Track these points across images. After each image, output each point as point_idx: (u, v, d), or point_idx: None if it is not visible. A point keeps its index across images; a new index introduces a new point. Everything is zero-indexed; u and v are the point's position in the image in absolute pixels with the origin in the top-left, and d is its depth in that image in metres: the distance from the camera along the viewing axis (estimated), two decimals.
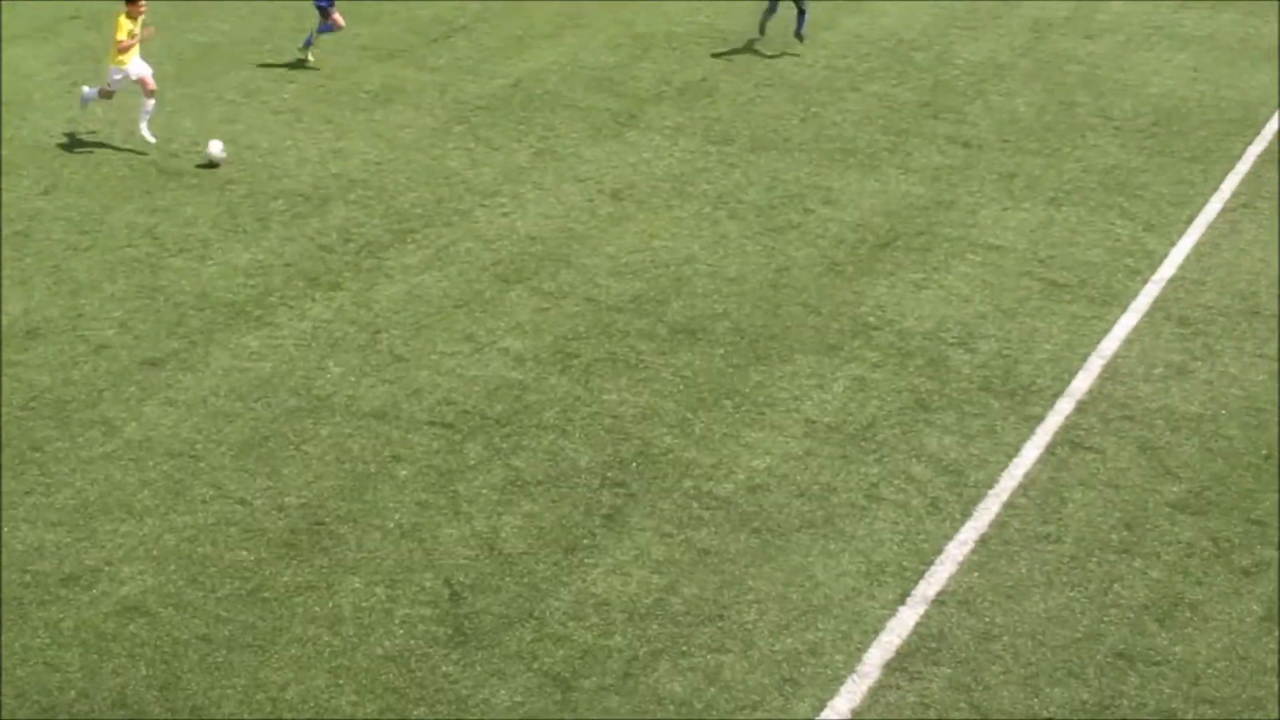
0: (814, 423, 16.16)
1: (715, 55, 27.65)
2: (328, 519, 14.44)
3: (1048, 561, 14.03)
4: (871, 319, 18.29)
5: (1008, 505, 14.82)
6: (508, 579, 13.66)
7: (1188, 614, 13.40)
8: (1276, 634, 13.11)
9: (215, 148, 22.22)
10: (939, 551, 14.12)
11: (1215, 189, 22.14)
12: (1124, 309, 18.57)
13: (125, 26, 22.20)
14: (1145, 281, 19.25)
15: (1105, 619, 13.32)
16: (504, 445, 15.65)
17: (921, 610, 13.36)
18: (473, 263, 19.56)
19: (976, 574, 13.84)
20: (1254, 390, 16.85)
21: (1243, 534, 14.47)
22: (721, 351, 17.50)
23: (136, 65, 22.58)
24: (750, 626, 13.17)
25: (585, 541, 14.18)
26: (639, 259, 19.68)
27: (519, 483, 15.05)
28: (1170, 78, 26.95)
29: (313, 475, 15.10)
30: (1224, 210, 21.43)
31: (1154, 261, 19.80)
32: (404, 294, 18.71)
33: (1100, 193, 22.01)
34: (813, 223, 20.89)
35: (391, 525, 14.38)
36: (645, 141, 23.65)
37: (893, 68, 27.29)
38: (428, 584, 13.59)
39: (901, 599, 13.50)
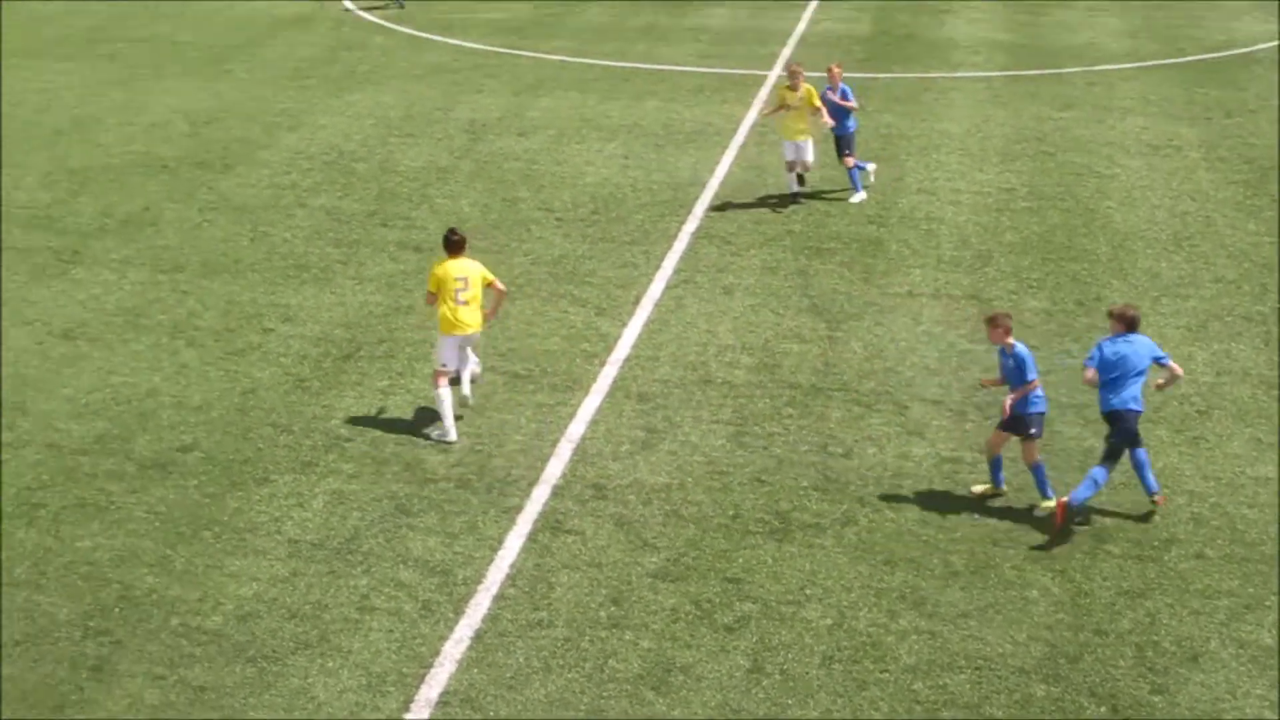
0: (297, 542, 16.04)
1: (155, 184, 27.24)
2: None
3: (543, 647, 14.33)
4: (343, 431, 18.31)
5: (498, 598, 15.07)
6: None
7: (681, 677, 13.92)
8: (763, 683, 13.79)
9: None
10: (436, 653, 14.23)
11: (658, 269, 23.20)
12: (586, 392, 19.21)
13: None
14: (603, 364, 19.97)
15: (604, 694, 13.69)
16: None
17: (426, 714, 13.42)
18: None
19: (476, 670, 14.01)
20: (714, 455, 17.69)
21: (721, 593, 15.14)
22: (195, 482, 17.17)
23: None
24: None
25: (74, 698, 13.63)
26: (99, 398, 19.13)
27: None
28: (603, 167, 28.12)
29: None
30: (668, 288, 22.47)
31: (609, 344, 20.58)
32: None
33: (550, 283, 22.72)
34: (273, 342, 20.78)
35: None
36: (92, 278, 23.04)
37: (337, 180, 27.50)
38: None
39: (405, 706, 13.53)
